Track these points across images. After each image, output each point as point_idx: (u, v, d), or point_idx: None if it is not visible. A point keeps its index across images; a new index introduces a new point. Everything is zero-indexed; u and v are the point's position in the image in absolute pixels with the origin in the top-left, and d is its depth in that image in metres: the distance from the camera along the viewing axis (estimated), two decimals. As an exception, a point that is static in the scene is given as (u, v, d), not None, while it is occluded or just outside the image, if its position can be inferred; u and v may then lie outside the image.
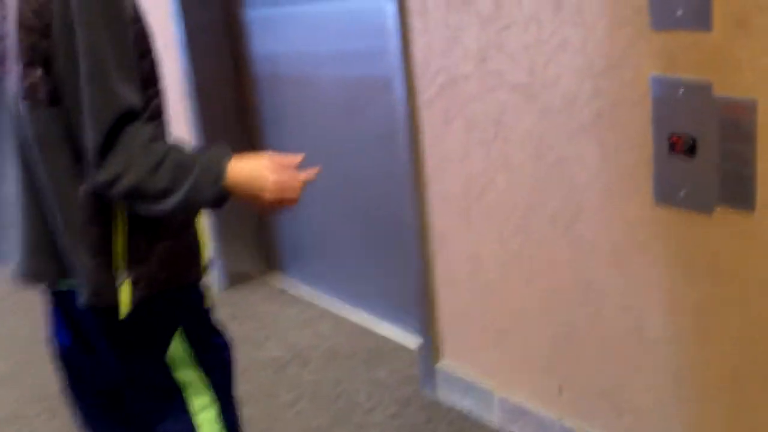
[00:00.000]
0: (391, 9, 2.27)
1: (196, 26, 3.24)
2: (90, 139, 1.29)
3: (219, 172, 1.35)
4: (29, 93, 1.33)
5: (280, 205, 1.43)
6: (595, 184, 1.95)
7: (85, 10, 1.28)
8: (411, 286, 2.59)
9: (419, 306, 2.56)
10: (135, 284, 1.41)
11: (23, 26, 1.31)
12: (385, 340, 2.95)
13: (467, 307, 2.41)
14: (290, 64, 3.12)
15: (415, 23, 2.23)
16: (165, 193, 1.32)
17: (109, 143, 1.29)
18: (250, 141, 3.44)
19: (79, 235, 1.38)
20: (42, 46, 1.30)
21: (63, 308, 1.59)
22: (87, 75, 1.29)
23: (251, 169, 1.39)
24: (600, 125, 1.90)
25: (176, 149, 1.36)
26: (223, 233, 3.47)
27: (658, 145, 1.78)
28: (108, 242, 1.39)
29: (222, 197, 1.37)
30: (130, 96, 1.31)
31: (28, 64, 1.32)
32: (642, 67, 1.77)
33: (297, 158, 1.47)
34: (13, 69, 1.35)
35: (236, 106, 3.42)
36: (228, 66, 3.36)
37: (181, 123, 3.31)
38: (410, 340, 2.88)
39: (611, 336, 2.02)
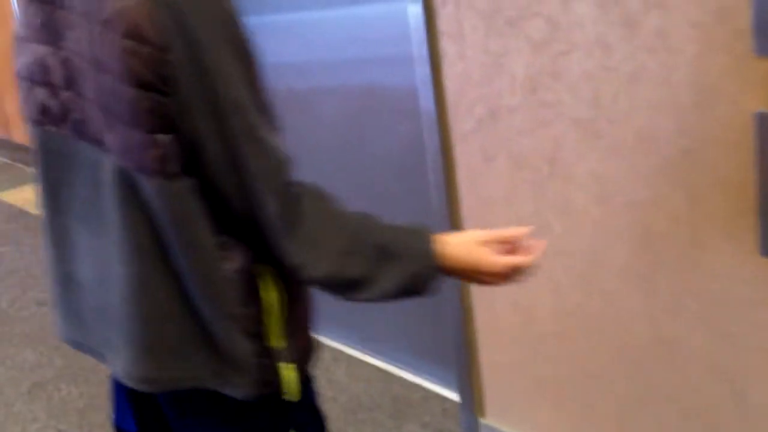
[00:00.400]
0: (417, 31, 1.96)
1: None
2: (270, 209, 1.05)
3: (428, 257, 1.14)
4: (158, 166, 1.02)
5: (502, 283, 1.20)
6: (678, 232, 1.68)
7: (220, 57, 0.99)
8: (444, 334, 2.31)
9: (457, 356, 2.28)
10: (298, 360, 1.19)
11: (137, 84, 0.99)
12: (410, 387, 2.67)
13: (515, 361, 2.14)
14: (296, 80, 2.77)
15: (448, 48, 1.92)
16: (365, 281, 1.11)
17: (291, 210, 1.06)
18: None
19: (232, 320, 1.11)
20: (165, 106, 1.00)
21: (136, 395, 1.30)
22: (241, 133, 1.02)
23: (468, 254, 1.16)
24: (685, 166, 1.62)
25: (369, 224, 1.14)
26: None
27: (766, 192, 1.52)
28: (262, 320, 1.14)
29: (435, 285, 1.16)
30: (283, 147, 1.07)
31: (151, 130, 1.01)
32: (742, 102, 1.50)
33: (516, 232, 1.20)
34: (117, 137, 1.04)
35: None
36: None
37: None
38: (439, 387, 2.60)
39: (703, 401, 1.76)
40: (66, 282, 1.23)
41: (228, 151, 1.02)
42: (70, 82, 1.08)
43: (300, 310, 1.21)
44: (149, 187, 1.04)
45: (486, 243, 1.17)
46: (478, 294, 2.15)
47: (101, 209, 1.11)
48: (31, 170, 5.09)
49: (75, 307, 1.24)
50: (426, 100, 2.01)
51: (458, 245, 1.17)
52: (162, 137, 1.01)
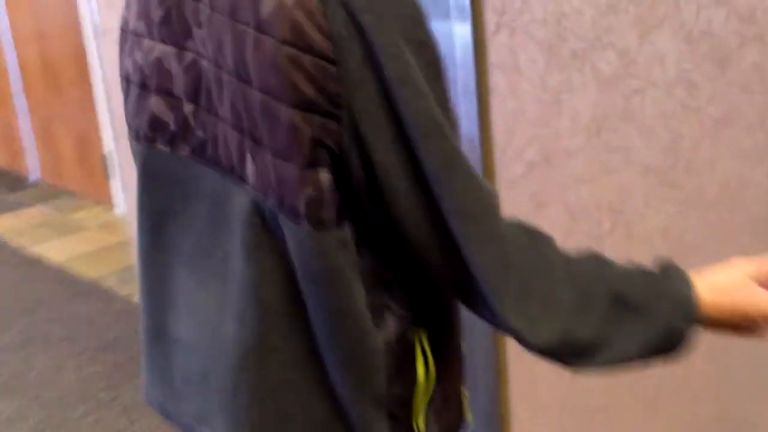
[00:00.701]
0: (463, 56, 1.75)
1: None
2: (479, 259, 0.82)
3: (687, 305, 0.88)
4: (310, 210, 0.80)
5: None
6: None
7: (404, 64, 0.77)
8: (472, 398, 2.08)
9: (485, 427, 2.05)
10: None
11: (297, 104, 0.77)
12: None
13: (555, 434, 1.91)
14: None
15: (498, 82, 1.71)
16: (599, 343, 0.86)
17: (504, 258, 0.83)
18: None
19: (376, 398, 0.89)
20: (332, 134, 0.78)
21: None
22: (437, 163, 0.79)
23: (736, 295, 0.90)
24: (779, 224, 1.42)
25: (598, 268, 0.88)
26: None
27: None
28: (409, 397, 0.93)
29: (690, 343, 0.91)
30: (484, 179, 0.87)
31: (309, 164, 0.79)
32: None
33: None
34: (260, 167, 0.82)
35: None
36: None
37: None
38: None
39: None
40: (157, 336, 1.01)
41: (421, 186, 0.79)
42: (196, 93, 0.87)
43: (452, 380, 0.98)
44: (294, 233, 0.82)
45: (757, 276, 0.91)
46: (516, 355, 1.92)
47: (221, 252, 0.89)
48: (9, 197, 4.76)
49: (165, 368, 1.02)
50: (470, 137, 1.80)
51: (721, 283, 0.92)
52: (322, 174, 0.78)
